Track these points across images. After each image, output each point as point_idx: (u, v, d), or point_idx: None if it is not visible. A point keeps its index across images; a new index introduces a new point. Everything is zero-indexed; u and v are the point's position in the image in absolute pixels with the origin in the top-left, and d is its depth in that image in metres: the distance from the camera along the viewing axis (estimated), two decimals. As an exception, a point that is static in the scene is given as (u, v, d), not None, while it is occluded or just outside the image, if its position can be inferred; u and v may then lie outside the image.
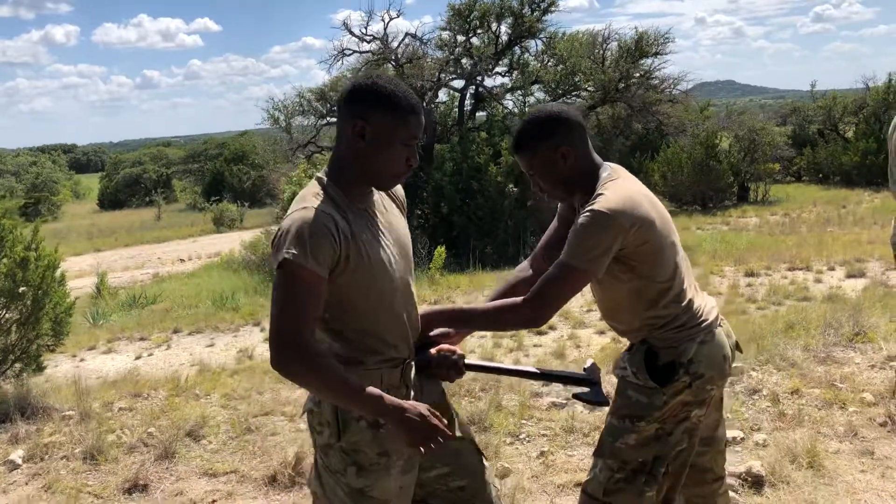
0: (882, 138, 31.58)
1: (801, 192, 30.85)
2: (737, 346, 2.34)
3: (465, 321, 2.25)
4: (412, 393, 2.02)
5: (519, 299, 2.10)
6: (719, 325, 2.26)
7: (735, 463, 3.63)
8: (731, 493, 3.33)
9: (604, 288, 2.26)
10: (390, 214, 2.07)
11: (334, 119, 18.44)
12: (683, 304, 2.19)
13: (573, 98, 21.92)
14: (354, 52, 21.75)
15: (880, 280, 10.01)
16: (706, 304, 2.27)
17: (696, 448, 2.28)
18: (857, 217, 20.83)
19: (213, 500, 3.64)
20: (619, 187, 2.13)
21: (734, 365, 2.41)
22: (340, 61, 21.79)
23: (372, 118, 1.89)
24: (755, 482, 3.46)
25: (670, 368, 2.15)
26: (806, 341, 5.81)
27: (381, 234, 1.98)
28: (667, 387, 2.15)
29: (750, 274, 11.49)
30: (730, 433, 3.99)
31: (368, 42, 21.46)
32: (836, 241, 15.25)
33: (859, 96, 35.68)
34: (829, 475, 3.51)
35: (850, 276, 10.77)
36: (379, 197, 2.05)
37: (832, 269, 11.47)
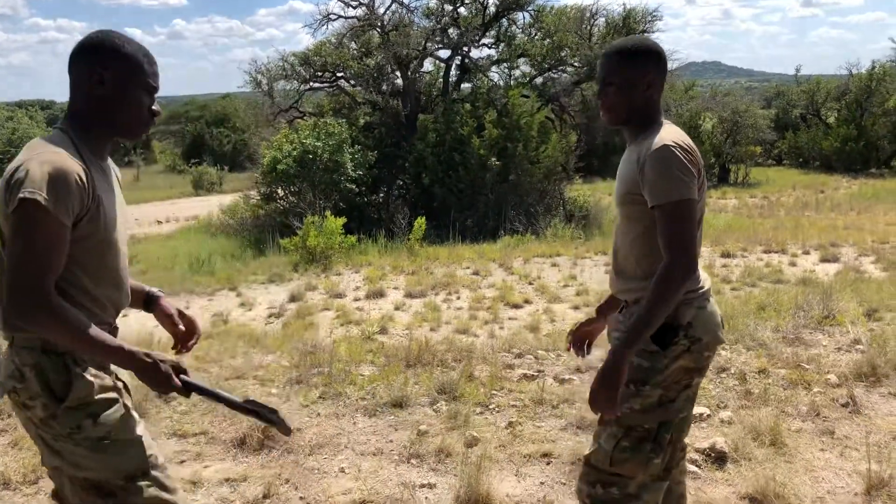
0: (862, 125, 31.82)
1: (780, 175, 31.10)
2: (721, 322, 2.32)
3: (636, 336, 2.07)
4: None
5: (660, 268, 2.05)
6: (711, 294, 2.27)
7: (700, 439, 3.69)
8: (694, 468, 3.40)
9: (624, 223, 2.26)
10: (115, 181, 2.05)
11: (318, 84, 18.08)
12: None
13: (559, 73, 21.80)
14: (340, 16, 21.46)
15: (853, 265, 10.15)
16: (702, 273, 2.27)
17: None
18: (835, 202, 21.06)
19: (182, 461, 3.64)
20: (680, 130, 2.19)
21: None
22: (326, 26, 21.51)
23: (110, 65, 1.90)
24: (718, 458, 3.52)
25: (671, 331, 2.13)
26: (776, 322, 5.90)
27: (115, 196, 1.99)
28: (667, 350, 2.14)
29: (726, 255, 11.59)
30: (696, 409, 4.05)
31: (355, 7, 21.18)
32: (813, 225, 15.42)
33: (842, 82, 35.89)
34: (789, 453, 3.57)
35: (824, 260, 10.89)
36: (110, 162, 2.06)
37: (807, 252, 11.59)
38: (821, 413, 4.03)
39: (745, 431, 3.71)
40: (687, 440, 3.57)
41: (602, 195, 20.67)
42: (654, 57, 2.22)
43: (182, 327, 2.29)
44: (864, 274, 9.29)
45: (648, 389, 2.17)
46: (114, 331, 2.02)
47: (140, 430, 1.97)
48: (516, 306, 8.47)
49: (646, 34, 21.45)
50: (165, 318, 2.29)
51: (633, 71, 2.20)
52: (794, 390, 4.37)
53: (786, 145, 35.64)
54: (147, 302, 2.29)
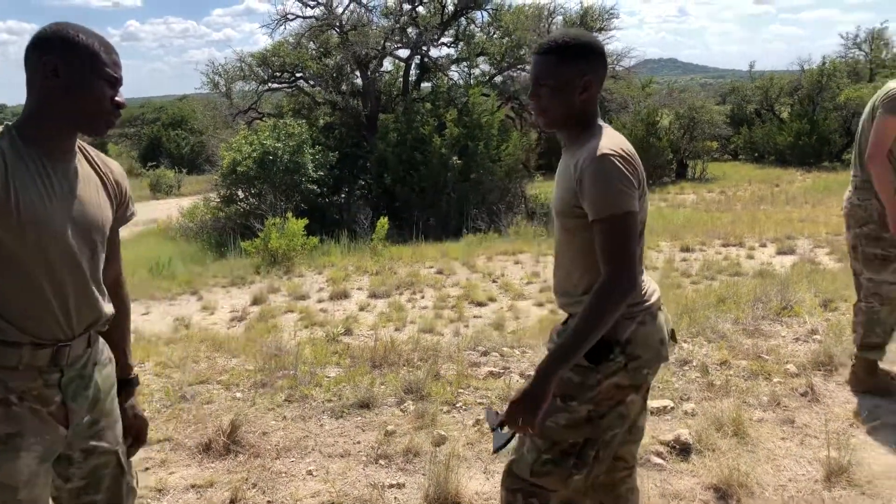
0: (815, 119, 32.52)
1: (737, 170, 31.65)
2: (672, 335, 2.24)
3: (566, 354, 1.96)
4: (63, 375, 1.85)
5: (598, 284, 1.94)
6: (659, 310, 2.16)
7: (664, 431, 3.74)
8: (659, 461, 3.45)
9: (564, 235, 2.14)
10: (87, 187, 1.88)
11: (276, 85, 17.93)
12: None
13: (518, 71, 21.92)
14: (298, 16, 21.34)
15: (808, 257, 10.36)
16: (650, 286, 2.17)
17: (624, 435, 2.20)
18: (790, 196, 21.48)
19: (146, 469, 3.59)
20: (619, 136, 2.06)
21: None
22: (284, 26, 21.40)
23: (64, 56, 1.77)
24: (683, 449, 3.57)
25: (606, 347, 2.03)
26: (736, 315, 6.00)
27: (54, 197, 1.78)
28: (601, 366, 2.04)
29: (685, 249, 11.75)
30: (660, 403, 4.12)
31: (312, 7, 21.06)
32: (769, 218, 15.70)
33: (795, 78, 36.67)
34: (752, 442, 3.64)
35: (780, 252, 11.10)
36: (83, 169, 1.90)
37: (764, 245, 11.80)
38: (781, 403, 4.11)
39: (709, 423, 3.77)
40: (651, 433, 3.66)
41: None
42: (591, 55, 2.06)
43: (132, 431, 2.14)
44: (819, 265, 9.49)
45: (576, 405, 2.07)
46: (61, 350, 1.83)
47: (22, 478, 1.77)
48: (481, 304, 8.50)
49: (603, 31, 21.68)
50: (124, 411, 2.11)
51: (568, 70, 2.03)
52: (755, 381, 4.45)
53: (741, 140, 36.28)
54: (118, 384, 2.10)
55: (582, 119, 2.08)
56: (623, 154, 1.96)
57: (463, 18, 21.15)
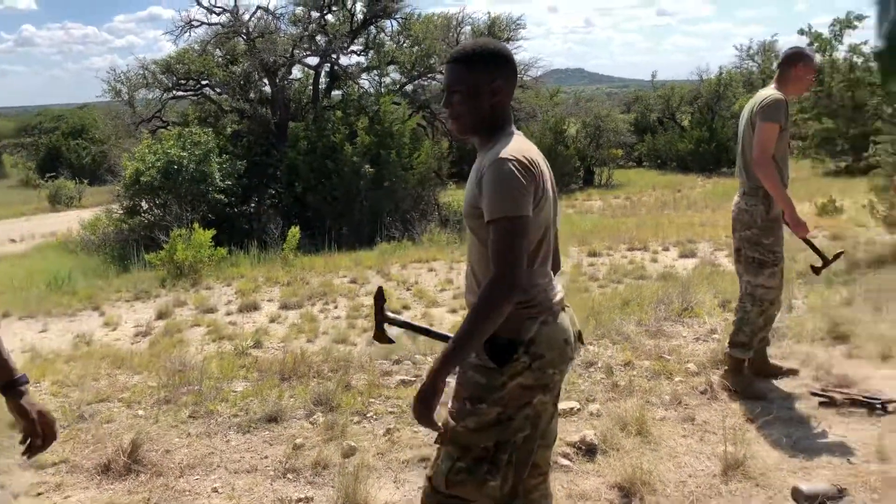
0: (713, 127, 33.93)
1: (641, 176, 32.66)
2: (579, 337, 2.28)
3: (454, 353, 1.98)
4: None
5: (484, 284, 1.98)
6: (563, 310, 2.19)
7: (571, 433, 3.82)
8: (566, 462, 3.51)
9: (471, 237, 2.17)
10: None
11: (181, 93, 17.47)
12: (534, 281, 2.10)
13: (428, 80, 22.06)
14: (203, 23, 20.86)
15: (709, 259, 10.75)
16: (553, 287, 2.19)
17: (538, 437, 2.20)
18: (691, 201, 22.29)
19: (39, 493, 3.42)
20: (525, 143, 2.11)
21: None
22: (188, 33, 20.85)
23: None
24: (588, 450, 3.65)
25: (509, 348, 2.05)
26: (640, 317, 6.18)
27: None
28: (505, 367, 2.05)
29: (593, 254, 12.02)
30: (566, 404, 4.20)
31: (218, 14, 20.64)
32: (672, 223, 16.24)
33: (694, 87, 38.19)
34: (654, 441, 3.75)
35: (682, 255, 11.48)
36: None
37: (667, 249, 12.19)
38: (682, 401, 4.26)
39: (613, 423, 3.86)
40: (558, 435, 3.72)
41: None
42: (500, 61, 2.12)
43: (39, 429, 1.99)
44: (718, 267, 9.86)
45: (485, 408, 2.08)
46: None
47: None
48: (395, 312, 8.45)
49: (510, 41, 22.03)
50: (21, 416, 1.98)
51: (477, 77, 2.09)
52: (658, 381, 4.60)
53: (645, 148, 37.49)
54: (6, 387, 1.98)
55: (493, 124, 2.13)
56: (522, 159, 2.00)
57: (372, 27, 21.15)
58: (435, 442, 2.17)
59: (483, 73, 2.09)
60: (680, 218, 17.67)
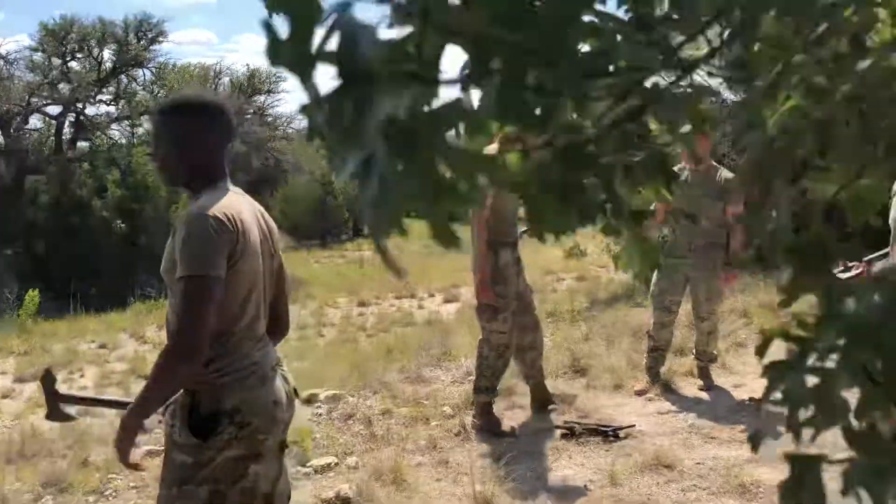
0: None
1: (411, 224, 33.60)
2: (295, 392, 2.21)
3: (132, 419, 1.93)
4: None
5: (164, 347, 1.92)
6: (274, 370, 2.12)
7: (326, 489, 3.74)
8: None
9: (170, 296, 2.06)
10: None
11: None
12: (236, 343, 2.03)
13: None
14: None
15: (470, 303, 11.17)
16: (265, 349, 2.12)
17: None
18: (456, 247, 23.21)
19: None
20: (234, 198, 2.04)
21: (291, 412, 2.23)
22: None
23: None
24: (343, 505, 3.58)
25: (212, 420, 1.95)
26: (402, 364, 6.26)
27: None
28: (211, 441, 1.94)
29: (362, 304, 12.10)
30: (324, 460, 4.12)
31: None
32: (437, 269, 16.82)
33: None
34: (409, 488, 3.77)
35: (447, 301, 11.89)
36: None
37: (432, 295, 12.58)
38: (437, 445, 4.33)
39: (369, 474, 3.84)
40: (313, 493, 3.63)
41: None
42: (206, 114, 2.07)
43: None
44: (478, 311, 10.29)
45: (193, 489, 1.97)
46: None
47: None
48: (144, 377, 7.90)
49: (271, 94, 21.92)
50: None
51: (181, 129, 2.04)
52: (415, 427, 4.65)
53: (412, 198, 38.73)
54: None
55: (201, 176, 2.06)
56: (219, 215, 1.93)
57: (123, 76, 20.06)
58: None
59: (188, 125, 2.04)
60: (444, 264, 18.34)
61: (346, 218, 27.39)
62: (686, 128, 0.77)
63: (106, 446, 4.61)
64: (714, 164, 5.10)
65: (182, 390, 2.02)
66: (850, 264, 2.98)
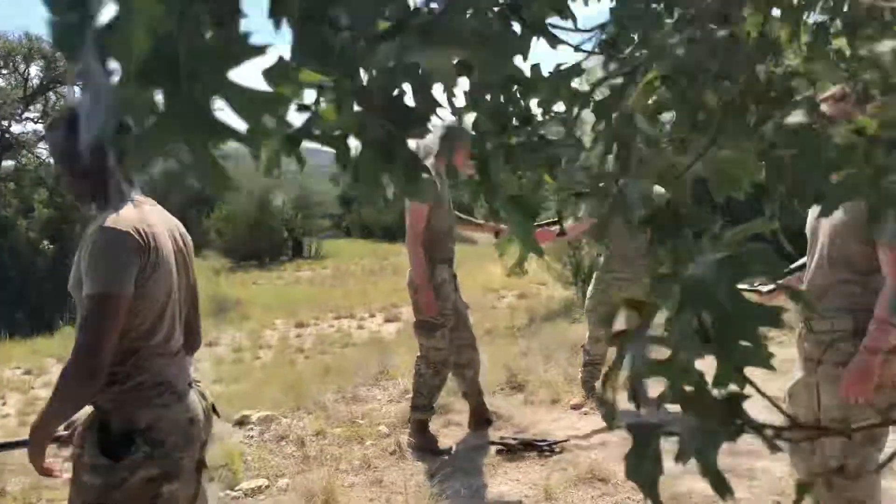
0: (414, 198, 35.94)
1: (350, 246, 33.37)
2: (213, 409, 2.17)
3: (36, 442, 1.90)
4: None
5: (65, 364, 1.83)
6: (190, 385, 2.08)
7: (256, 513, 3.62)
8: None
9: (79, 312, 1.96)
10: None
11: None
12: (149, 359, 1.97)
13: (119, 150, 20.76)
14: None
15: (410, 321, 11.15)
16: (179, 366, 2.07)
17: None
18: (396, 267, 23.16)
19: None
20: (143, 211, 1.96)
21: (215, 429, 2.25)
22: None
23: None
24: (274, 529, 3.48)
25: (126, 440, 1.88)
26: (339, 384, 6.16)
27: None
28: (124, 461, 1.87)
29: (300, 325, 11.93)
30: (255, 483, 4.00)
31: None
32: (378, 289, 16.72)
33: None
34: (342, 509, 3.69)
35: (387, 320, 11.82)
36: None
37: (373, 315, 12.48)
38: (371, 464, 4.26)
39: (300, 496, 3.74)
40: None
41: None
42: None
43: None
44: (418, 329, 10.24)
45: None
46: None
47: None
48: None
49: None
50: None
51: (67, 142, 1.93)
52: (349, 447, 4.56)
53: (353, 218, 38.56)
54: None
55: (100, 190, 1.96)
56: (128, 230, 1.88)
57: (51, 93, 19.50)
58: None
59: (71, 139, 1.92)
60: (385, 284, 18.25)
61: (284, 238, 27.07)
62: (560, 106, 0.75)
63: (26, 474, 4.40)
64: None
65: (92, 409, 1.94)
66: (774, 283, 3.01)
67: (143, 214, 1.96)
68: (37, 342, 12.04)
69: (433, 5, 0.68)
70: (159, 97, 0.53)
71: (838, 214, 2.53)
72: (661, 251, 0.70)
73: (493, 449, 4.39)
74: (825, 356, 2.59)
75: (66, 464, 2.04)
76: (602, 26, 0.74)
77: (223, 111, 0.56)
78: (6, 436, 6.34)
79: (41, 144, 19.46)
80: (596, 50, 0.75)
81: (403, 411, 5.13)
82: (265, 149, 0.65)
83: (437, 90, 0.68)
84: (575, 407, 5.09)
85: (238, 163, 28.39)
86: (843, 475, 2.54)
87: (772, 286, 2.85)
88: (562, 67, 0.72)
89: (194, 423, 2.02)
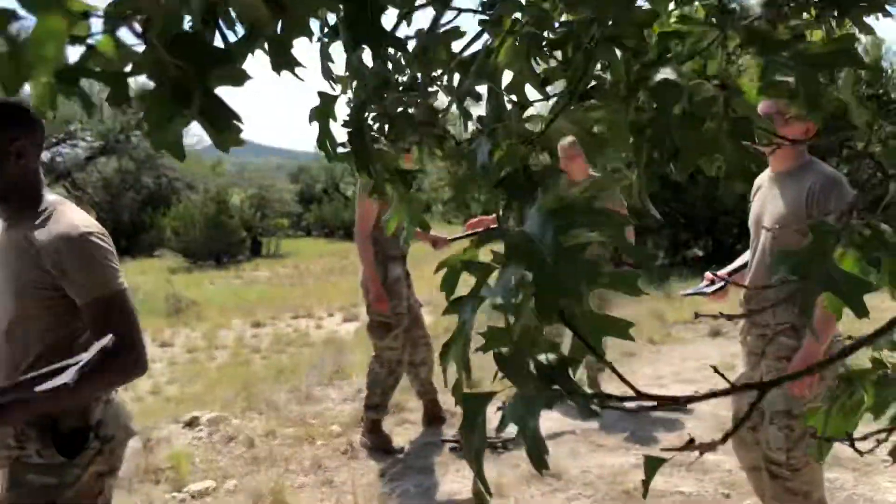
0: (374, 197, 35.85)
1: (310, 245, 33.12)
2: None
3: (47, 402, 1.74)
4: None
5: (114, 358, 1.76)
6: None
7: (201, 516, 3.54)
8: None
9: (17, 318, 1.88)
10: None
11: None
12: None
13: (69, 146, 20.34)
14: None
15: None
16: None
17: None
18: (357, 266, 22.81)
19: None
20: (82, 211, 1.96)
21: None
22: None
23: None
24: (219, 532, 3.40)
25: (81, 436, 1.87)
26: (293, 384, 6.08)
27: None
28: (79, 458, 1.86)
29: (257, 325, 11.77)
30: (202, 485, 3.92)
31: None
32: (337, 289, 16.58)
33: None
34: (290, 510, 3.62)
35: (346, 320, 11.72)
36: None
37: (332, 315, 12.37)
38: (322, 464, 4.19)
39: (248, 497, 3.67)
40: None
41: (134, 275, 19.61)
42: (20, 118, 1.89)
43: None
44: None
45: None
46: None
47: None
48: None
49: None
50: None
51: None
52: (300, 447, 4.49)
53: (312, 217, 38.29)
54: None
55: (24, 190, 1.92)
56: (98, 229, 1.90)
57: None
58: None
59: (2, 132, 1.86)
60: (345, 283, 18.09)
61: (242, 237, 26.76)
62: (441, 73, 0.72)
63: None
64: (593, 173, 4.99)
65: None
66: (716, 277, 3.00)
67: (90, 217, 1.97)
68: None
69: None
70: None
71: (778, 206, 2.55)
72: (508, 213, 0.68)
73: (445, 447, 4.36)
74: (768, 349, 2.62)
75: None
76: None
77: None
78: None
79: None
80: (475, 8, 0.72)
81: (357, 411, 5.07)
82: (35, 82, 0.60)
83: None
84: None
85: (198, 160, 28.06)
86: (785, 467, 2.56)
87: (717, 286, 2.86)
88: (441, 30, 0.68)
89: (130, 419, 2.05)
